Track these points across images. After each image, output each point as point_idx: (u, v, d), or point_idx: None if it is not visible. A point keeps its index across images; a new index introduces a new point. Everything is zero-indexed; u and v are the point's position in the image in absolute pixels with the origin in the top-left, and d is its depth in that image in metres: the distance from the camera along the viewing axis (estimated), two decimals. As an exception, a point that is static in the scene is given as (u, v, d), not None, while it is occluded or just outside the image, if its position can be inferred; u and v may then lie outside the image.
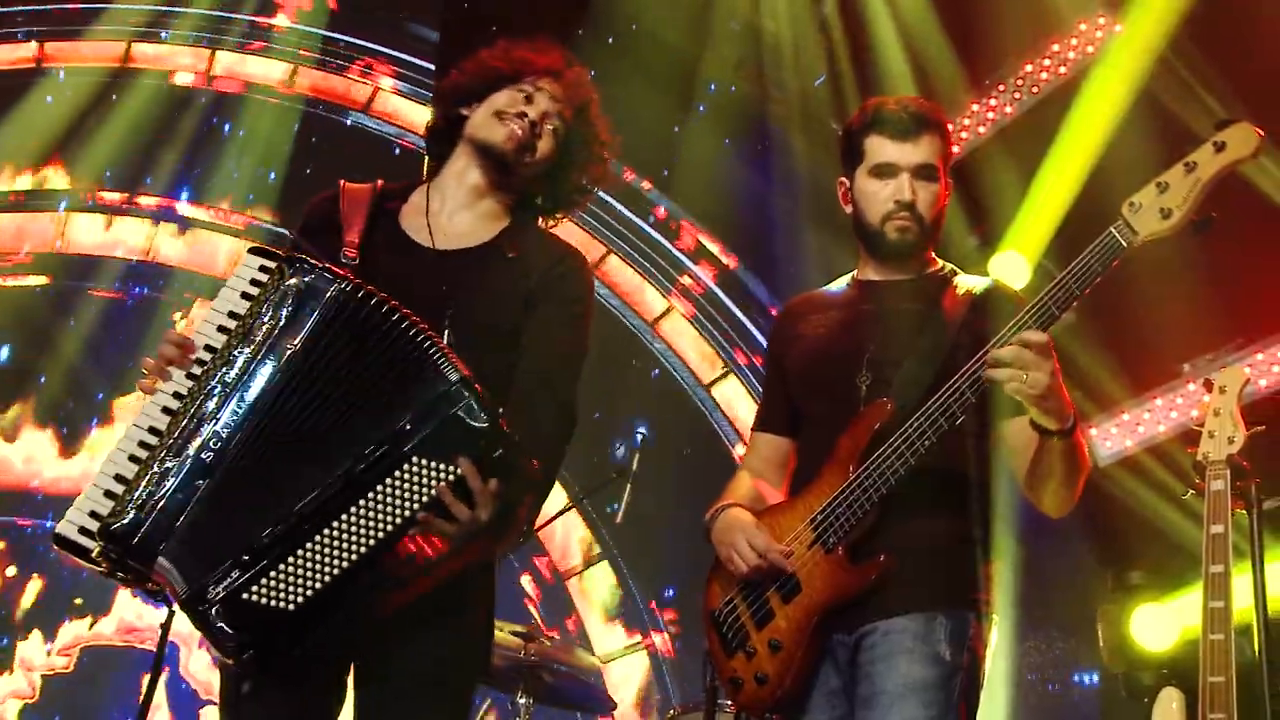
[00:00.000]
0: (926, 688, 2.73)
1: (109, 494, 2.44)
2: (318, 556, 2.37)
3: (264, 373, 2.47)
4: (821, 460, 2.92)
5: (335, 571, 2.36)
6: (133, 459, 2.46)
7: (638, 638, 7.11)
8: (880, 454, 2.79)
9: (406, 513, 2.37)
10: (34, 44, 6.99)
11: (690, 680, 6.73)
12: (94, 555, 2.44)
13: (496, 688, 5.18)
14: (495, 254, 2.76)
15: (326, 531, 2.37)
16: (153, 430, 2.47)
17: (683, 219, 7.52)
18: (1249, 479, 3.05)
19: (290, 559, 2.37)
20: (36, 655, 6.49)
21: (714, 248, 7.48)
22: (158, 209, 7.07)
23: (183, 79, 7.16)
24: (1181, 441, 4.08)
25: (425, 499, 2.37)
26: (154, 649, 3.30)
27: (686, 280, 7.51)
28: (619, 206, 7.43)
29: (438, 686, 2.59)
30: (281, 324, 2.49)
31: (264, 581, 2.37)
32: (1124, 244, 2.64)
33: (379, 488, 2.37)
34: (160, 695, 6.36)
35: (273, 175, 7.09)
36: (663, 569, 7.04)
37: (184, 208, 7.06)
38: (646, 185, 7.49)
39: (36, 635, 6.50)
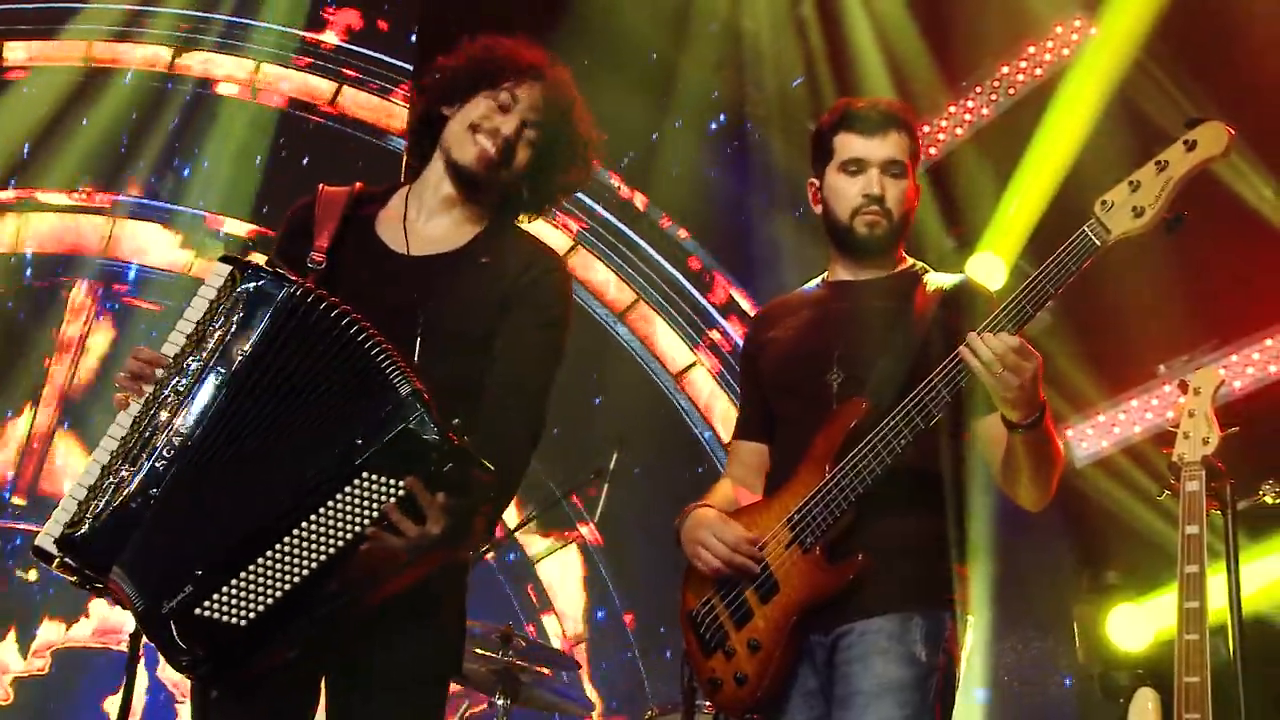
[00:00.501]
0: (902, 688, 2.73)
1: (78, 502, 2.44)
2: (269, 572, 2.36)
3: (214, 380, 2.44)
4: (797, 459, 2.92)
5: (287, 587, 2.35)
6: (102, 469, 2.45)
7: (561, 536, 7.08)
8: (856, 453, 2.80)
9: (357, 528, 2.35)
10: (83, 44, 6.97)
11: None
12: (54, 565, 2.43)
13: (474, 689, 5.17)
14: (469, 260, 2.74)
15: (278, 546, 2.36)
16: (121, 440, 2.47)
17: (716, 270, 7.45)
18: (1224, 480, 3.07)
19: (242, 574, 2.36)
20: (11, 659, 6.45)
21: (746, 304, 7.41)
22: (135, 210, 7.03)
23: (226, 89, 7.11)
24: (1157, 443, 4.10)
25: (375, 514, 2.35)
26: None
27: (715, 335, 7.43)
28: (653, 253, 7.39)
29: (410, 687, 2.58)
30: (233, 330, 2.46)
31: (216, 596, 2.36)
32: (1097, 243, 2.65)
33: (330, 503, 2.36)
34: (136, 698, 6.32)
35: (253, 178, 7.05)
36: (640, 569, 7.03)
37: (157, 208, 7.02)
38: (683, 234, 7.42)
39: (11, 638, 6.46)
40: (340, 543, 2.35)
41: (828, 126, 3.10)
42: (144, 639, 2.57)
